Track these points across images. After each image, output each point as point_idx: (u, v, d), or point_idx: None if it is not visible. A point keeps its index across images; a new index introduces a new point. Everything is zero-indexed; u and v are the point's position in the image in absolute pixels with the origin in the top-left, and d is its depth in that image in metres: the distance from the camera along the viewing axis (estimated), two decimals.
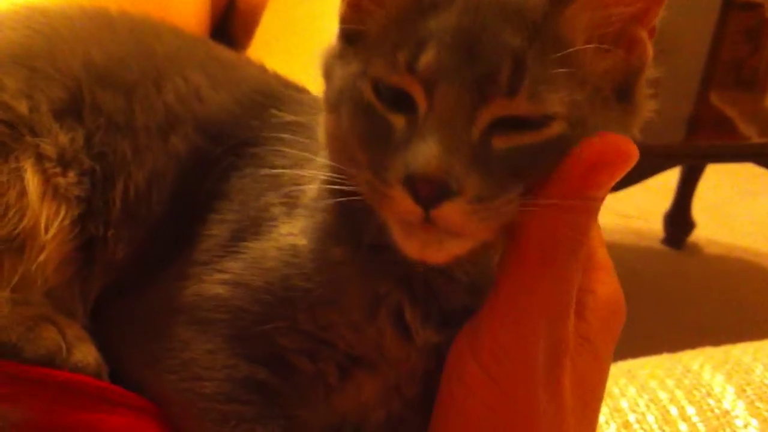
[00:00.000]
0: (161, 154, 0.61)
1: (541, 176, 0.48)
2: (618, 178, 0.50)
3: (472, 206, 0.47)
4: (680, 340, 0.96)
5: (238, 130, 0.62)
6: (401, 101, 0.49)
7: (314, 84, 0.67)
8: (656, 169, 2.05)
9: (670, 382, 0.84)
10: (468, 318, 0.54)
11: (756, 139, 2.09)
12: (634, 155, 0.49)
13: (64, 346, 0.55)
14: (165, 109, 0.62)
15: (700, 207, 2.68)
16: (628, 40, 0.51)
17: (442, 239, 0.48)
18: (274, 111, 0.62)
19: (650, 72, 0.53)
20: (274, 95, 0.65)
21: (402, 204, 0.47)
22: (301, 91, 0.68)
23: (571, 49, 0.49)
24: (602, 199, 0.50)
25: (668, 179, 2.54)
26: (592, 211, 0.51)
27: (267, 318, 0.55)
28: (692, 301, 2.41)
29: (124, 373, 0.58)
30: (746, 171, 2.33)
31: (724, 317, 2.30)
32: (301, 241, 0.55)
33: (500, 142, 0.48)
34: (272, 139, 0.61)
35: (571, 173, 0.49)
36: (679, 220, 2.70)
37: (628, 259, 2.59)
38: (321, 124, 0.55)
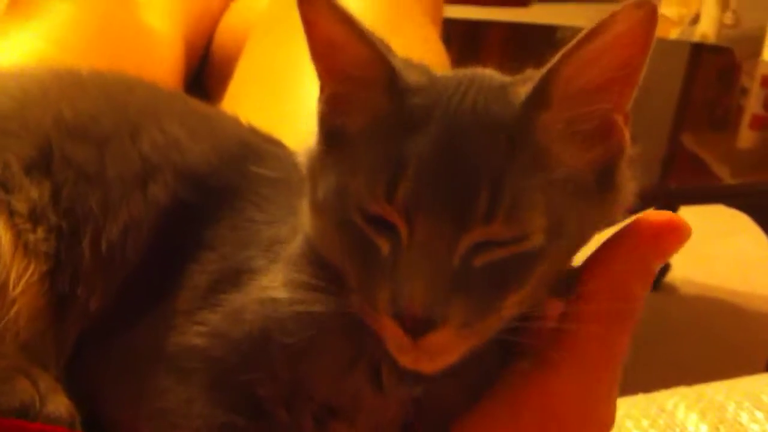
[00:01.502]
0: (137, 203, 0.61)
1: (520, 285, 0.49)
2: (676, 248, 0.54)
3: (459, 332, 0.48)
4: (658, 380, 0.96)
5: (218, 180, 0.62)
6: (385, 225, 0.50)
7: (288, 135, 0.68)
8: (631, 212, 2.06)
9: (645, 422, 0.85)
10: (449, 374, 0.53)
11: (728, 181, 2.11)
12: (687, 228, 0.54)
13: (37, 398, 0.55)
14: (141, 159, 0.62)
15: None
16: (606, 128, 0.51)
17: (434, 357, 0.49)
18: (252, 166, 0.62)
19: (630, 151, 0.53)
20: (251, 149, 0.65)
21: (391, 331, 0.49)
22: (278, 145, 0.68)
23: (549, 156, 0.49)
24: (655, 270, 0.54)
25: None
26: (650, 279, 0.54)
27: (245, 368, 0.55)
28: (670, 341, 2.42)
29: (100, 419, 0.58)
30: (720, 212, 2.35)
31: (702, 356, 2.30)
32: (281, 295, 0.55)
33: (479, 260, 0.48)
34: (252, 192, 0.61)
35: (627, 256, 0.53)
36: None
37: None
38: (305, 212, 0.56)
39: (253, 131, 0.69)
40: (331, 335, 0.54)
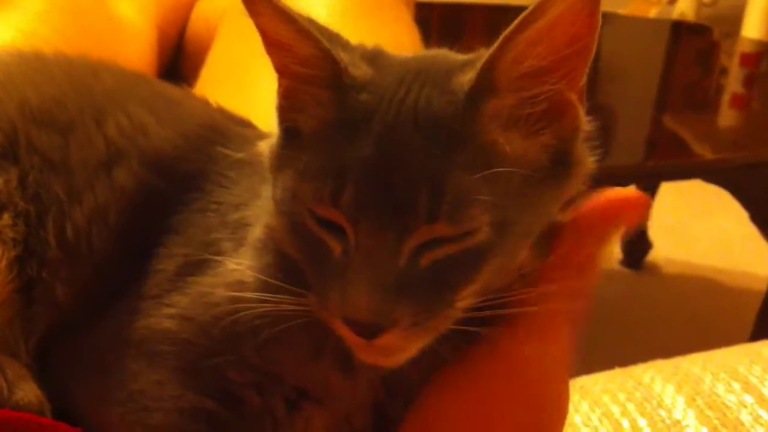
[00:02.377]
0: (103, 189, 0.61)
1: (468, 282, 0.49)
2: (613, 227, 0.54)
3: (409, 331, 0.48)
4: (641, 359, 0.96)
5: (185, 164, 0.62)
6: (337, 227, 0.50)
7: (258, 118, 0.68)
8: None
9: (621, 396, 0.85)
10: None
11: (709, 157, 2.12)
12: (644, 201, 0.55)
13: (5, 385, 0.56)
14: (106, 144, 0.62)
15: (656, 228, 2.71)
16: (559, 108, 0.51)
17: (390, 353, 0.50)
18: (219, 147, 0.62)
19: (586, 127, 0.53)
20: (219, 130, 0.65)
21: (345, 332, 0.49)
22: (246, 125, 0.68)
23: (495, 147, 0.49)
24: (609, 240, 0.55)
25: None
26: (594, 268, 0.54)
27: (214, 352, 0.55)
28: (652, 320, 2.43)
29: (71, 408, 0.58)
30: (700, 191, 2.36)
31: (685, 334, 2.31)
32: (248, 279, 0.55)
33: (426, 260, 0.48)
34: (218, 174, 0.61)
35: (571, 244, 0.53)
36: (635, 241, 2.72)
37: None
38: (268, 204, 0.56)
39: (222, 112, 0.69)
40: (296, 321, 0.54)
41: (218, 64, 1.08)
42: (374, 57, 0.53)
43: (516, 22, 0.47)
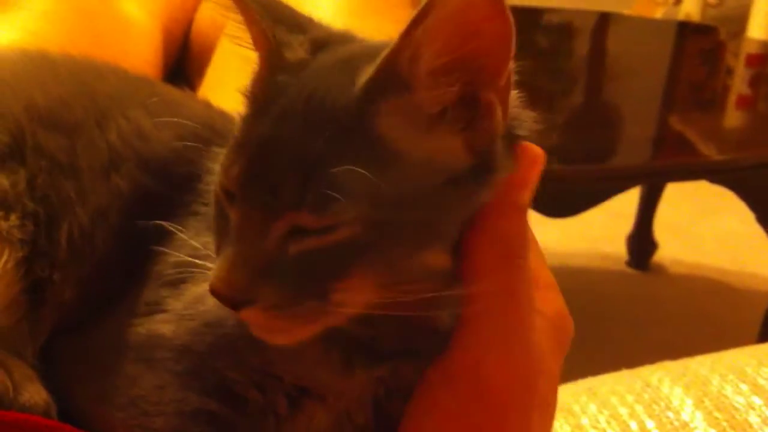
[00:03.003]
0: (104, 193, 0.61)
1: (339, 277, 0.48)
2: (532, 176, 0.53)
3: (269, 312, 0.48)
4: (648, 359, 0.96)
5: (182, 165, 0.62)
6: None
7: None
8: (618, 189, 2.07)
9: (629, 397, 0.85)
10: (414, 351, 0.54)
11: (715, 157, 2.12)
12: (540, 155, 0.53)
13: (11, 386, 0.55)
14: (108, 148, 0.62)
15: (662, 228, 2.71)
16: (473, 108, 0.49)
17: (270, 331, 0.50)
18: (215, 148, 0.61)
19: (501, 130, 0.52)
20: (218, 131, 0.64)
21: None
22: None
23: (387, 145, 0.48)
24: (527, 200, 0.53)
25: (629, 202, 2.57)
26: (521, 211, 0.53)
27: (212, 355, 0.55)
28: (659, 320, 2.43)
29: (75, 411, 0.58)
30: (705, 191, 2.36)
31: (691, 334, 2.31)
32: None
33: (294, 248, 0.48)
34: (213, 175, 0.61)
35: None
36: (642, 241, 2.72)
37: (594, 282, 2.61)
38: None
39: (222, 114, 0.68)
40: None
41: (223, 65, 1.08)
42: (326, 42, 0.53)
43: (410, 20, 0.46)
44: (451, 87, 0.48)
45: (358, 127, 0.48)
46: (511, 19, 0.47)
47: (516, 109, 0.53)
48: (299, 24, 0.54)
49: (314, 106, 0.48)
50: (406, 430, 0.54)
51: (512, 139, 0.52)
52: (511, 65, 0.49)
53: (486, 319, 0.52)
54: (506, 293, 0.52)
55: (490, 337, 0.52)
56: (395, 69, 0.48)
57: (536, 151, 0.53)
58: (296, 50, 0.52)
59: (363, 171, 0.46)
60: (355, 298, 0.49)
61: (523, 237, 0.53)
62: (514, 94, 0.52)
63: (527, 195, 0.52)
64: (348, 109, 0.48)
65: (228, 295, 0.48)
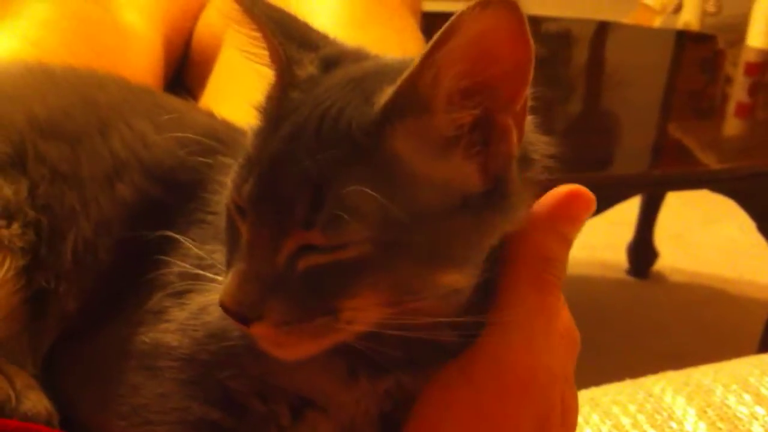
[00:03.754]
0: (107, 202, 0.61)
1: (349, 295, 0.48)
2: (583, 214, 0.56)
3: (279, 329, 0.49)
4: (648, 367, 0.96)
5: (185, 173, 0.62)
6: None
7: None
8: (618, 198, 2.07)
9: (632, 407, 0.85)
10: (414, 366, 0.54)
11: (714, 166, 2.12)
12: (591, 197, 0.56)
13: (13, 395, 0.55)
14: (111, 156, 0.62)
15: (662, 236, 2.70)
16: (490, 132, 0.49)
17: (278, 347, 0.51)
18: (219, 156, 0.62)
19: (544, 148, 0.54)
20: (221, 139, 0.64)
21: None
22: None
23: (401, 167, 0.48)
24: (573, 235, 0.57)
25: (629, 211, 2.56)
26: (566, 242, 0.56)
27: (216, 364, 0.55)
28: (659, 328, 2.42)
29: (76, 419, 0.57)
30: (706, 199, 2.36)
31: (692, 343, 2.31)
32: None
33: (302, 264, 0.48)
34: (216, 183, 0.61)
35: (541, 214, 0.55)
36: (642, 250, 2.72)
37: (594, 291, 2.60)
38: None
39: (225, 123, 0.68)
40: None
41: (225, 75, 1.08)
42: (338, 59, 0.53)
43: (429, 45, 0.46)
44: (470, 110, 0.48)
45: (373, 147, 0.48)
46: (533, 45, 0.47)
47: (530, 133, 0.53)
48: (311, 41, 0.54)
49: (328, 125, 0.48)
50: (418, 429, 0.54)
51: (527, 164, 0.52)
52: (528, 90, 0.49)
53: (514, 321, 0.54)
54: (537, 303, 0.54)
55: (515, 337, 0.54)
56: (415, 90, 0.48)
57: (590, 196, 0.56)
58: (306, 67, 0.52)
59: (374, 193, 0.46)
60: (364, 315, 0.49)
61: (561, 262, 0.56)
62: (528, 118, 0.52)
63: (574, 232, 0.56)
64: (363, 128, 0.48)
65: (237, 310, 0.49)
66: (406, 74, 0.47)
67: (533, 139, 0.53)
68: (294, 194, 0.48)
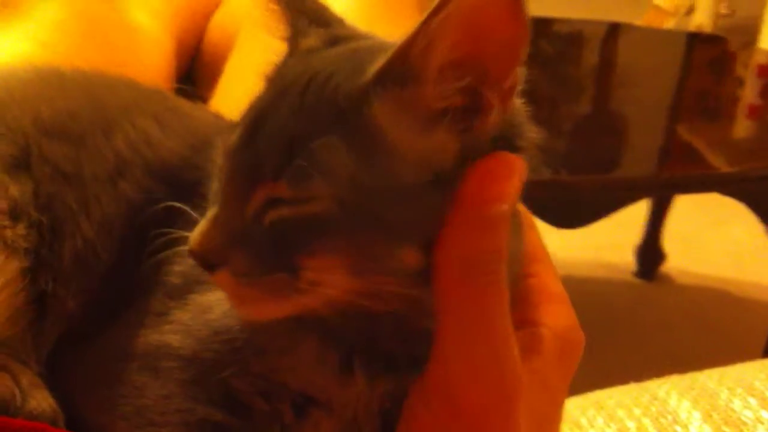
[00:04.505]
0: (110, 201, 0.61)
1: (310, 253, 0.49)
2: (509, 188, 0.50)
3: (239, 279, 0.50)
4: (655, 370, 0.96)
5: (191, 173, 0.62)
6: None
7: None
8: (626, 200, 2.07)
9: (637, 411, 0.85)
10: (419, 363, 0.53)
11: (724, 169, 2.11)
12: (519, 165, 0.50)
13: (18, 394, 0.55)
14: (115, 156, 0.62)
15: (670, 238, 2.70)
16: (474, 106, 0.49)
17: (245, 305, 0.52)
18: None
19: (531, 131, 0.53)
20: None
21: None
22: None
23: (381, 136, 0.49)
24: (502, 213, 0.50)
25: (638, 212, 2.56)
26: (493, 226, 0.50)
27: (218, 364, 0.55)
28: (666, 331, 2.42)
29: (80, 420, 0.58)
30: (715, 201, 2.35)
31: (698, 346, 2.31)
32: None
33: (269, 218, 0.49)
34: None
35: (462, 200, 0.50)
36: (649, 251, 2.71)
37: (601, 292, 2.60)
38: None
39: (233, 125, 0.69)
40: (294, 329, 0.54)
41: (235, 76, 1.08)
42: (345, 39, 0.55)
43: (428, 11, 0.47)
44: (459, 83, 0.49)
45: (355, 113, 0.49)
46: (528, 22, 0.47)
47: (520, 118, 0.53)
48: (324, 19, 0.56)
49: (315, 87, 0.50)
50: None
51: (511, 149, 0.52)
52: (519, 70, 0.49)
53: (452, 338, 0.51)
54: (472, 313, 0.50)
55: (459, 353, 0.51)
56: (407, 59, 0.48)
57: (514, 160, 0.51)
58: (311, 40, 0.54)
59: (346, 153, 0.48)
60: (325, 278, 0.49)
61: (492, 253, 0.50)
62: (520, 104, 0.52)
63: (500, 207, 0.49)
64: (349, 94, 0.49)
65: (202, 254, 0.50)
66: (399, 43, 0.48)
67: (524, 127, 0.53)
68: (269, 146, 0.49)
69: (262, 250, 0.49)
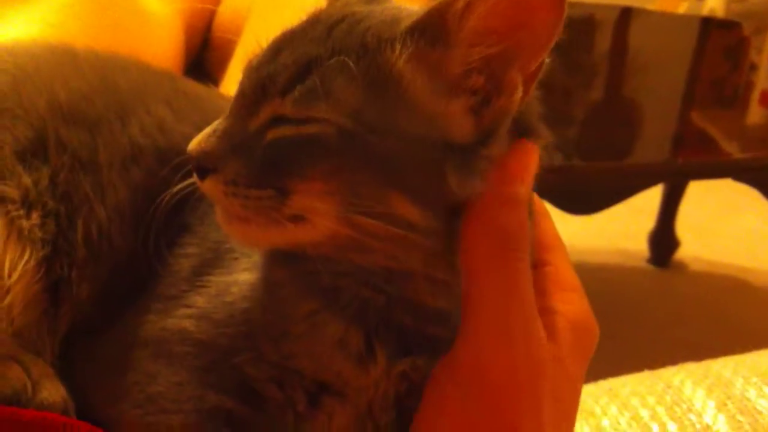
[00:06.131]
0: (124, 187, 0.61)
1: (302, 177, 0.49)
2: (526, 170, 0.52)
3: (228, 188, 0.51)
4: (668, 358, 0.95)
5: None
6: None
7: None
8: (639, 187, 2.06)
9: (651, 399, 0.84)
10: (433, 345, 0.54)
11: (737, 155, 2.10)
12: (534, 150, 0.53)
13: (29, 384, 0.55)
14: (130, 143, 0.62)
15: (684, 225, 2.69)
16: (497, 83, 0.50)
17: (231, 221, 0.52)
18: None
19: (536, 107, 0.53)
20: None
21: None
22: None
23: (401, 84, 0.49)
24: (524, 193, 0.52)
25: (652, 199, 2.55)
26: (518, 204, 0.52)
27: (233, 350, 0.55)
28: (679, 318, 2.41)
29: (92, 408, 0.57)
30: (728, 188, 2.34)
31: (712, 334, 2.30)
32: (256, 274, 0.56)
33: (272, 134, 0.50)
34: None
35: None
36: (663, 239, 2.70)
37: (615, 279, 2.60)
38: None
39: None
40: (317, 310, 0.54)
41: (246, 58, 1.07)
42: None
43: None
44: (489, 50, 0.49)
45: (380, 53, 0.50)
46: (565, 11, 0.48)
47: (536, 107, 0.54)
48: None
49: (346, 24, 0.51)
50: (418, 429, 0.53)
51: (526, 132, 0.53)
52: (546, 57, 0.50)
53: (484, 312, 0.52)
54: (503, 286, 0.52)
55: (488, 331, 0.52)
56: (442, 18, 0.49)
57: (529, 145, 0.53)
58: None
59: (358, 80, 0.49)
60: (313, 205, 0.50)
61: (519, 230, 0.52)
62: (535, 94, 0.52)
63: (523, 189, 0.52)
64: (379, 35, 0.50)
65: (198, 157, 0.51)
66: (433, 5, 0.49)
67: (538, 116, 0.54)
68: (286, 65, 0.50)
69: (256, 164, 0.50)
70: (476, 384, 0.52)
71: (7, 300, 0.57)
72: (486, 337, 0.52)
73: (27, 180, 0.59)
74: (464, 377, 0.52)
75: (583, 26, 2.83)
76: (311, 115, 0.49)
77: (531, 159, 0.53)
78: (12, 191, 0.58)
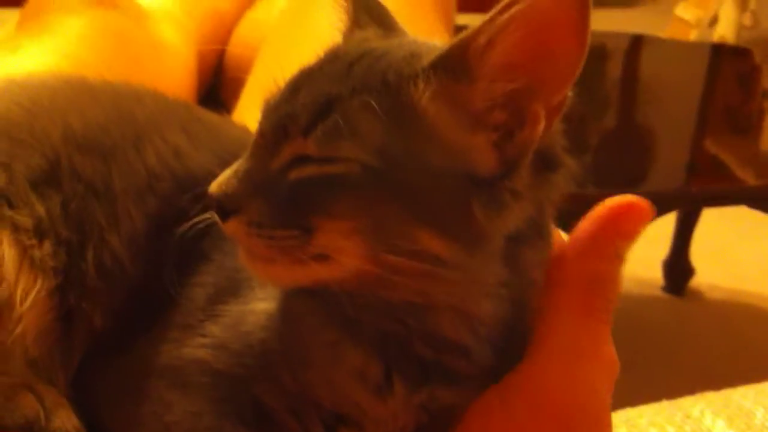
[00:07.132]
0: (139, 216, 0.61)
1: (327, 215, 0.49)
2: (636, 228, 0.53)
3: (251, 228, 0.50)
4: (685, 387, 0.94)
5: None
6: None
7: None
8: (657, 215, 2.05)
9: (670, 429, 0.83)
10: (453, 378, 0.54)
11: (751, 182, 2.09)
12: (646, 207, 0.53)
13: (42, 413, 0.55)
14: (146, 171, 0.62)
15: (698, 253, 2.67)
16: (519, 116, 0.50)
17: (255, 261, 0.51)
18: None
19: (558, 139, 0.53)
20: None
21: None
22: None
23: (423, 119, 0.49)
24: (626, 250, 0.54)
25: (666, 227, 2.54)
26: (620, 259, 0.54)
27: (250, 380, 0.55)
28: (696, 347, 2.39)
29: None
30: (743, 215, 2.32)
31: (729, 362, 2.27)
32: (273, 304, 0.56)
33: (295, 174, 0.50)
34: None
35: (597, 224, 0.53)
36: (677, 266, 2.68)
37: (630, 308, 2.57)
38: None
39: None
40: (337, 341, 0.53)
41: (258, 88, 1.08)
42: (397, 33, 0.57)
43: (496, 7, 0.47)
44: (511, 84, 0.49)
45: (401, 89, 0.49)
46: (588, 45, 0.48)
47: (559, 139, 0.53)
48: (385, 21, 0.57)
49: (367, 61, 0.51)
50: None
51: (551, 165, 0.52)
52: (569, 91, 0.50)
53: (559, 350, 0.52)
54: (585, 327, 0.53)
55: (559, 368, 0.52)
56: (465, 53, 0.49)
57: (646, 206, 0.54)
58: (368, 33, 0.55)
59: (381, 117, 0.48)
60: (338, 244, 0.49)
61: (613, 283, 0.54)
62: (559, 127, 0.52)
63: (627, 248, 0.54)
64: (400, 72, 0.50)
65: (219, 199, 0.51)
66: (461, 35, 0.49)
67: (562, 147, 0.53)
68: (306, 104, 0.50)
69: (279, 205, 0.50)
70: (533, 414, 0.52)
71: (20, 329, 0.56)
72: (556, 371, 0.53)
73: (40, 208, 0.59)
74: (521, 407, 0.52)
75: (594, 55, 2.84)
76: (335, 154, 0.48)
77: (644, 219, 0.53)
78: (25, 220, 0.58)
